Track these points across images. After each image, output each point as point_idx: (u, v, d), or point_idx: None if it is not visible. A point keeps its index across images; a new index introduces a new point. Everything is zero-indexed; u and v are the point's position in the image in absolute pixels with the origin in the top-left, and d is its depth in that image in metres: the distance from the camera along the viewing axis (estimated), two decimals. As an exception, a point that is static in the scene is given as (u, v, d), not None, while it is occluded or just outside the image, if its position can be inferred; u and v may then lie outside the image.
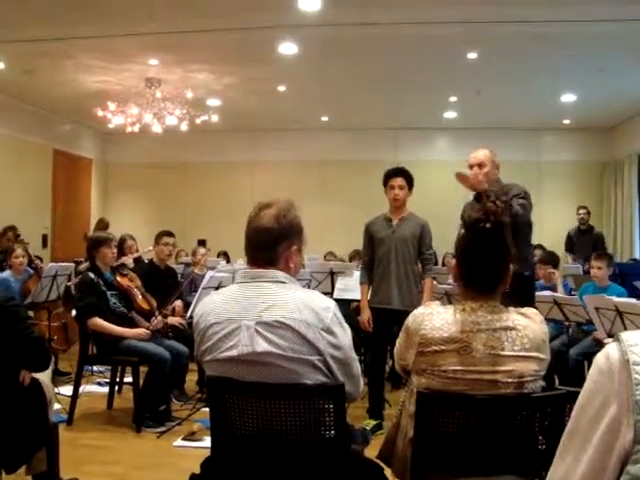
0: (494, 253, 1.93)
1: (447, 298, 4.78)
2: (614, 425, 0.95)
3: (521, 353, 1.86)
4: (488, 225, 1.92)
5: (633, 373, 0.93)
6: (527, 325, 1.90)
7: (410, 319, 2.00)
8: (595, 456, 0.96)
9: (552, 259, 5.95)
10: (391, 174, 4.45)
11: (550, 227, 9.10)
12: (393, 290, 4.33)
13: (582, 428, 1.00)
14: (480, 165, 3.72)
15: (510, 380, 1.85)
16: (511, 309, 1.95)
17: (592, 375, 1.00)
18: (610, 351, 0.98)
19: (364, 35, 6.23)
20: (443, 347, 1.88)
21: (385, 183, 4.45)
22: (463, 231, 2.03)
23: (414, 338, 1.94)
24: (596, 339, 4.62)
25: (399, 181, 4.39)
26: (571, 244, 8.65)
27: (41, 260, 6.51)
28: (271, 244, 1.91)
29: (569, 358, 4.85)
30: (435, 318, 1.93)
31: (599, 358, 1.00)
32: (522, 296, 3.17)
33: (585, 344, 4.91)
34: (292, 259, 1.93)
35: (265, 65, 7.36)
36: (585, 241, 8.41)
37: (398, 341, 2.08)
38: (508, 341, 1.86)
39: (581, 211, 8.64)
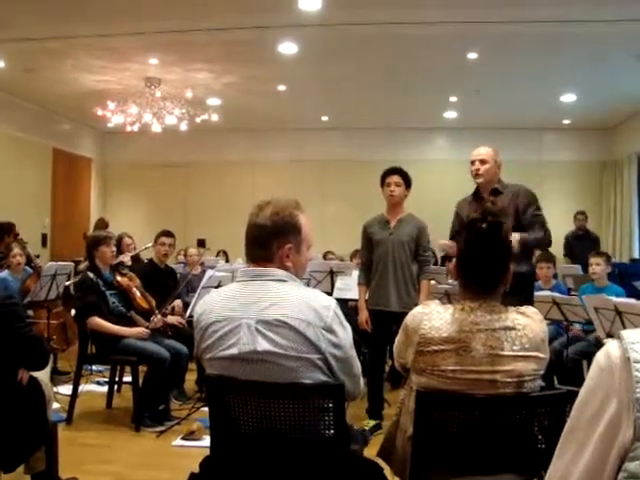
0: (492, 253, 1.93)
1: (447, 298, 4.78)
2: (614, 422, 0.95)
3: (520, 353, 1.86)
4: (485, 225, 1.92)
5: (633, 371, 0.93)
6: (526, 324, 1.90)
7: (409, 318, 1.99)
8: (595, 453, 0.96)
9: (549, 257, 5.97)
10: (388, 172, 4.47)
11: (549, 226, 9.08)
12: (391, 292, 4.33)
13: (582, 425, 0.99)
14: (482, 161, 3.75)
15: (509, 380, 1.85)
16: (510, 308, 1.95)
17: (592, 373, 1.00)
18: (611, 349, 0.98)
19: (364, 35, 6.23)
20: (442, 347, 1.87)
21: (382, 182, 4.47)
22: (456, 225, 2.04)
23: (413, 337, 1.94)
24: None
25: (395, 178, 4.40)
26: (570, 249, 8.62)
27: (38, 257, 6.48)
28: (264, 240, 1.90)
29: (567, 357, 4.86)
30: (434, 318, 1.92)
31: (599, 356, 1.00)
32: (521, 293, 3.17)
33: (583, 343, 4.91)
34: (288, 258, 1.92)
35: (265, 65, 7.37)
36: (583, 245, 8.36)
37: (397, 339, 2.08)
38: (507, 341, 1.86)
39: (579, 217, 8.62)
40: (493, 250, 1.93)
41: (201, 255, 6.79)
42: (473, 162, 3.79)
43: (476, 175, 3.78)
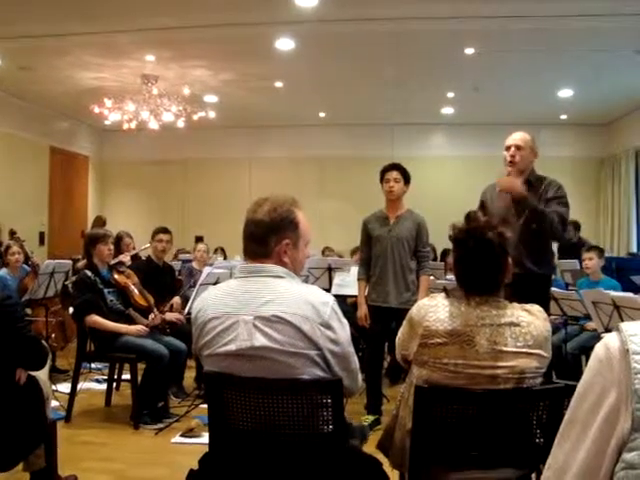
0: (484, 265, 1.93)
1: (446, 293, 4.78)
2: (612, 414, 0.95)
3: (523, 349, 1.86)
4: (471, 243, 1.92)
5: (632, 362, 0.94)
6: (531, 322, 1.90)
7: (414, 310, 2.00)
8: (593, 444, 0.97)
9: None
10: (387, 168, 4.47)
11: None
12: (390, 288, 4.33)
13: (581, 417, 1.00)
14: (518, 147, 3.58)
15: (510, 376, 1.85)
16: (515, 305, 1.95)
17: (591, 364, 1.00)
18: (610, 341, 0.99)
19: (361, 31, 6.22)
20: (446, 339, 1.88)
21: (381, 178, 4.47)
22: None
23: (417, 329, 1.94)
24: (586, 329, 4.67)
25: (394, 174, 4.41)
26: (563, 253, 8.58)
27: (32, 253, 6.45)
28: (262, 237, 1.90)
29: (567, 352, 4.87)
30: (440, 310, 1.93)
31: (598, 348, 1.00)
32: (538, 295, 3.10)
33: (582, 338, 4.93)
34: (285, 254, 1.91)
35: (262, 61, 7.35)
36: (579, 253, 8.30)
37: (401, 330, 2.09)
38: (512, 337, 1.86)
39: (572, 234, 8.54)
40: (483, 264, 1.93)
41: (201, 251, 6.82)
42: (508, 148, 3.60)
43: (510, 162, 3.58)
